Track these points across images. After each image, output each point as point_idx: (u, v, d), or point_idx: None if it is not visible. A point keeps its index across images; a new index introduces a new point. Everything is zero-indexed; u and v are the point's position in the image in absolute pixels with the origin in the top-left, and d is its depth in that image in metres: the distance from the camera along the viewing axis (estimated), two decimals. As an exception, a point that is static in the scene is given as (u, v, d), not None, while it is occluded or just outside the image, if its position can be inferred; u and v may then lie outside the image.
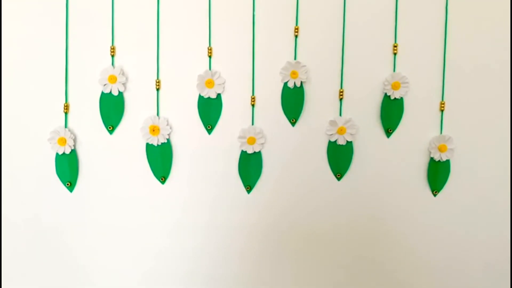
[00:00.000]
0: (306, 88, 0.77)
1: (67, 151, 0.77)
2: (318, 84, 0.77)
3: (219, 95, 0.77)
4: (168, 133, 0.75)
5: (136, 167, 0.76)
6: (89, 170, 0.78)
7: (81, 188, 0.79)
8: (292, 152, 0.78)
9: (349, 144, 0.78)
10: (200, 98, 0.77)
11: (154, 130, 0.76)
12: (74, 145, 0.77)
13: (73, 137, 0.76)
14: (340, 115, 0.77)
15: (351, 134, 0.77)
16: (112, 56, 0.76)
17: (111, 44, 0.76)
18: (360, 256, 0.80)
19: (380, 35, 0.77)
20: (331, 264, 0.80)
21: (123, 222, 0.79)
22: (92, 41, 0.77)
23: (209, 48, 0.76)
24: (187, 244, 0.80)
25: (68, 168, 0.77)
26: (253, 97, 0.77)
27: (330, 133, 0.77)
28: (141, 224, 0.79)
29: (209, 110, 0.76)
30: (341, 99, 0.77)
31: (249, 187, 0.79)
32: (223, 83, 0.75)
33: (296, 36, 0.76)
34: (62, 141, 0.76)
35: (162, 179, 0.78)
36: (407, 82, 0.76)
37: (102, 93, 0.76)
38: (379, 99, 0.77)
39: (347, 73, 0.77)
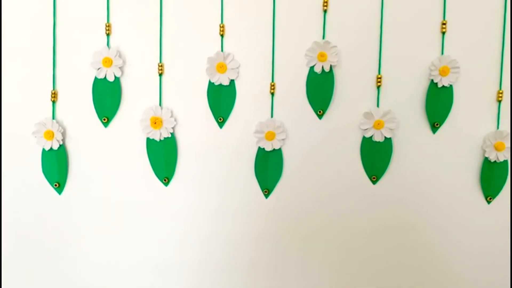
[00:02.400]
0: (337, 73, 0.65)
1: (55, 147, 0.67)
2: (351, 69, 0.65)
3: (232, 81, 0.66)
4: (173, 126, 0.66)
5: (135, 166, 0.68)
6: (80, 169, 0.68)
7: (71, 189, 0.69)
8: (319, 150, 0.67)
9: (388, 141, 0.66)
10: (210, 85, 0.66)
11: (156, 122, 0.66)
12: (63, 140, 0.68)
13: (62, 130, 0.67)
14: (378, 106, 0.65)
15: (390, 129, 0.65)
16: (107, 35, 0.66)
17: (106, 21, 0.66)
18: (398, 273, 0.68)
19: (426, 10, 0.64)
20: (364, 282, 0.68)
21: (118, 229, 0.69)
22: (84, 17, 0.66)
23: (221, 25, 0.65)
24: (192, 257, 0.69)
25: (56, 166, 0.68)
26: (272, 84, 0.66)
27: (365, 127, 0.65)
28: (140, 233, 0.69)
29: (221, 100, 0.66)
30: (378, 87, 0.65)
31: (267, 191, 0.68)
32: (237, 68, 0.66)
33: (325, 11, 0.64)
34: (49, 135, 0.66)
35: (165, 180, 0.68)
36: (457, 67, 0.64)
37: (96, 78, 0.66)
38: (424, 87, 0.65)
39: (386, 55, 0.65)
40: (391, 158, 0.66)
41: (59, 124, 0.67)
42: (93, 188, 0.68)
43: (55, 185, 0.68)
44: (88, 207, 0.69)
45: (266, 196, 0.68)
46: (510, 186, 0.67)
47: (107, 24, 0.66)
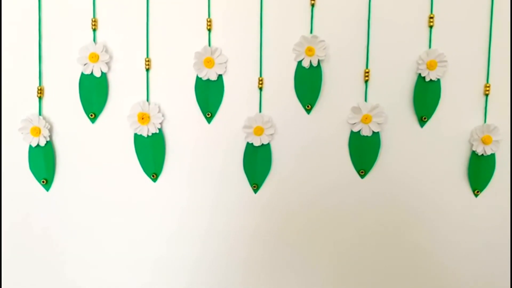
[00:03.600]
0: (325, 68, 0.65)
1: (42, 143, 0.66)
2: (339, 63, 0.65)
3: (220, 76, 0.66)
4: (160, 121, 0.66)
5: (123, 162, 0.67)
6: (67, 165, 0.68)
7: (59, 186, 0.68)
8: (307, 144, 0.67)
9: (376, 135, 0.66)
10: (198, 80, 0.66)
11: (144, 118, 0.65)
12: (50, 136, 0.67)
13: (49, 127, 0.66)
14: (366, 100, 0.65)
15: (378, 124, 0.65)
16: (94, 30, 0.65)
17: (92, 16, 0.65)
18: (387, 266, 0.68)
19: (414, 3, 0.64)
20: (354, 276, 0.68)
21: (107, 227, 0.68)
22: (70, 12, 0.65)
23: (208, 20, 0.64)
24: (183, 253, 0.68)
25: (43, 163, 0.67)
26: (260, 79, 0.66)
27: (353, 122, 0.65)
28: (129, 230, 0.68)
29: (209, 95, 0.66)
30: (366, 81, 0.65)
31: (256, 186, 0.68)
32: (225, 62, 0.66)
33: (312, 5, 0.64)
34: (36, 131, 0.65)
35: (153, 176, 0.67)
36: (445, 61, 0.64)
37: (82, 74, 0.66)
38: (411, 81, 0.65)
39: (373, 50, 0.65)
40: (379, 152, 0.67)
41: (46, 120, 0.66)
42: (81, 185, 0.68)
43: (43, 181, 0.67)
44: (77, 204, 0.68)
45: (255, 191, 0.68)
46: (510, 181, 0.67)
47: (94, 19, 0.65)
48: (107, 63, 0.65)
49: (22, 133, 0.66)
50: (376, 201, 0.68)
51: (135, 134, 0.66)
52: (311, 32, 0.65)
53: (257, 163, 0.67)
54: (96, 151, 0.67)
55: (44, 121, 0.66)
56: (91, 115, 0.66)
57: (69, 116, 0.67)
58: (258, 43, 0.65)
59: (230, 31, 0.65)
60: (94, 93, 0.66)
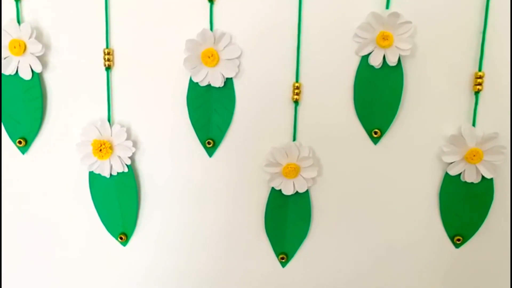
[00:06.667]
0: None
1: None
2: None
3: (229, 81, 0.41)
4: (130, 154, 0.42)
5: (74, 216, 0.45)
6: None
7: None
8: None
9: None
10: (192, 86, 0.42)
11: (103, 149, 0.41)
12: None
13: None
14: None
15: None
16: (16, 0, 0.40)
17: (13, -23, 0.40)
18: None
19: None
20: None
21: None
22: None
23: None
24: None
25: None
26: (297, 85, 0.41)
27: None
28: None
29: (210, 112, 0.42)
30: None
31: (284, 257, 0.44)
32: (237, 58, 0.41)
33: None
34: None
35: (121, 238, 0.45)
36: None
37: (2, 76, 0.42)
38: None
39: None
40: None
41: None
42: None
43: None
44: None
45: (284, 264, 0.44)
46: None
47: (16, -18, 0.39)
48: (40, 57, 0.41)
49: None
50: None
51: (91, 174, 0.43)
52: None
53: (287, 221, 0.43)
54: (31, 196, 0.44)
55: None
56: (20, 142, 0.42)
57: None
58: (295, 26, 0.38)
59: (241, 5, 0.38)
60: (21, 107, 0.42)
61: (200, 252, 0.44)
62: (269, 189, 0.42)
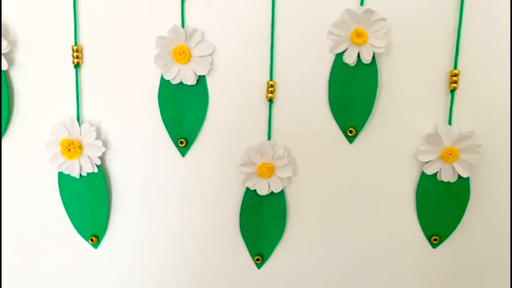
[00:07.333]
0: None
1: None
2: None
3: (202, 79, 0.40)
4: (100, 154, 0.41)
5: (42, 217, 0.43)
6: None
7: None
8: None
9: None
10: (164, 84, 0.40)
11: (71, 148, 0.40)
12: None
13: None
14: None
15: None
16: None
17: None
18: None
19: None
20: None
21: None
22: None
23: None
24: None
25: None
26: (271, 83, 0.40)
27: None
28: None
29: (182, 110, 0.41)
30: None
31: (259, 259, 0.43)
32: (210, 55, 0.40)
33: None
34: None
35: (92, 240, 0.43)
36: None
37: None
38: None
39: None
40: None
41: None
42: None
43: None
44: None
45: (259, 266, 0.42)
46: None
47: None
48: (6, 55, 0.39)
49: None
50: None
51: (60, 174, 0.41)
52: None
53: (263, 221, 0.42)
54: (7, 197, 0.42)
55: None
56: (-14, 142, 0.40)
57: None
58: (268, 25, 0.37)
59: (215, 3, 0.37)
60: (-13, 106, 0.39)
61: (173, 254, 0.43)
62: (244, 189, 0.41)
